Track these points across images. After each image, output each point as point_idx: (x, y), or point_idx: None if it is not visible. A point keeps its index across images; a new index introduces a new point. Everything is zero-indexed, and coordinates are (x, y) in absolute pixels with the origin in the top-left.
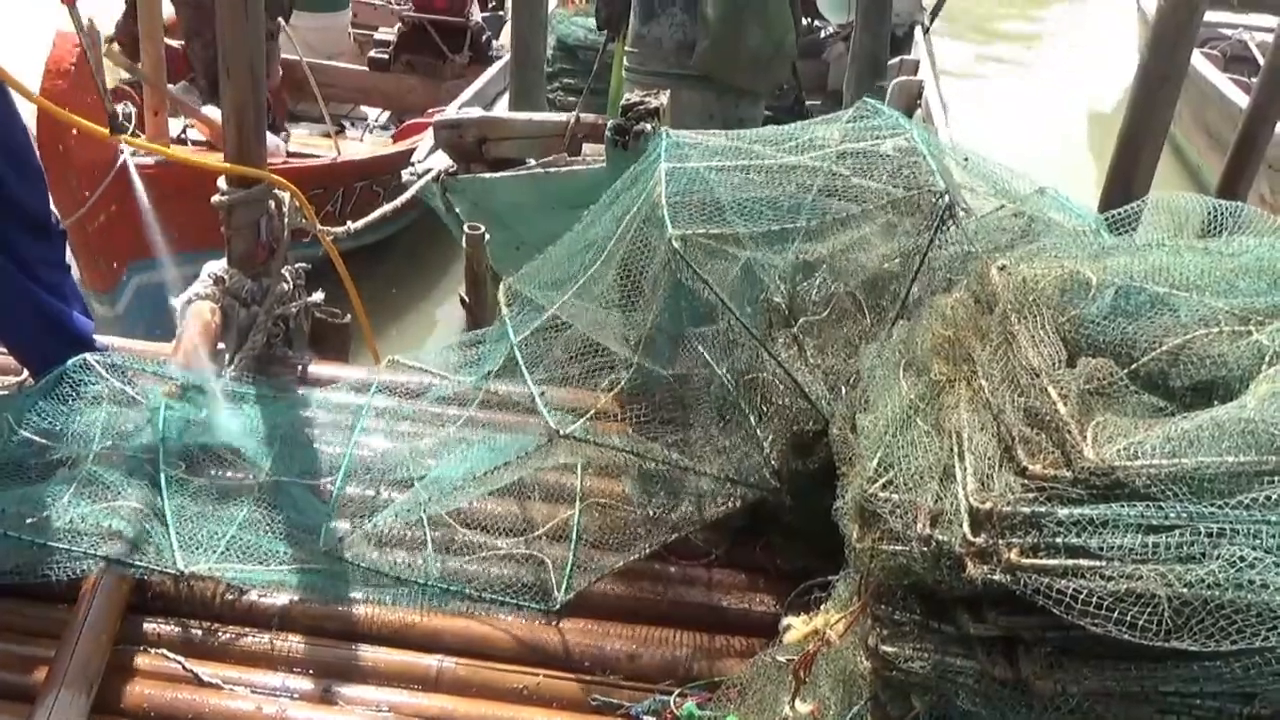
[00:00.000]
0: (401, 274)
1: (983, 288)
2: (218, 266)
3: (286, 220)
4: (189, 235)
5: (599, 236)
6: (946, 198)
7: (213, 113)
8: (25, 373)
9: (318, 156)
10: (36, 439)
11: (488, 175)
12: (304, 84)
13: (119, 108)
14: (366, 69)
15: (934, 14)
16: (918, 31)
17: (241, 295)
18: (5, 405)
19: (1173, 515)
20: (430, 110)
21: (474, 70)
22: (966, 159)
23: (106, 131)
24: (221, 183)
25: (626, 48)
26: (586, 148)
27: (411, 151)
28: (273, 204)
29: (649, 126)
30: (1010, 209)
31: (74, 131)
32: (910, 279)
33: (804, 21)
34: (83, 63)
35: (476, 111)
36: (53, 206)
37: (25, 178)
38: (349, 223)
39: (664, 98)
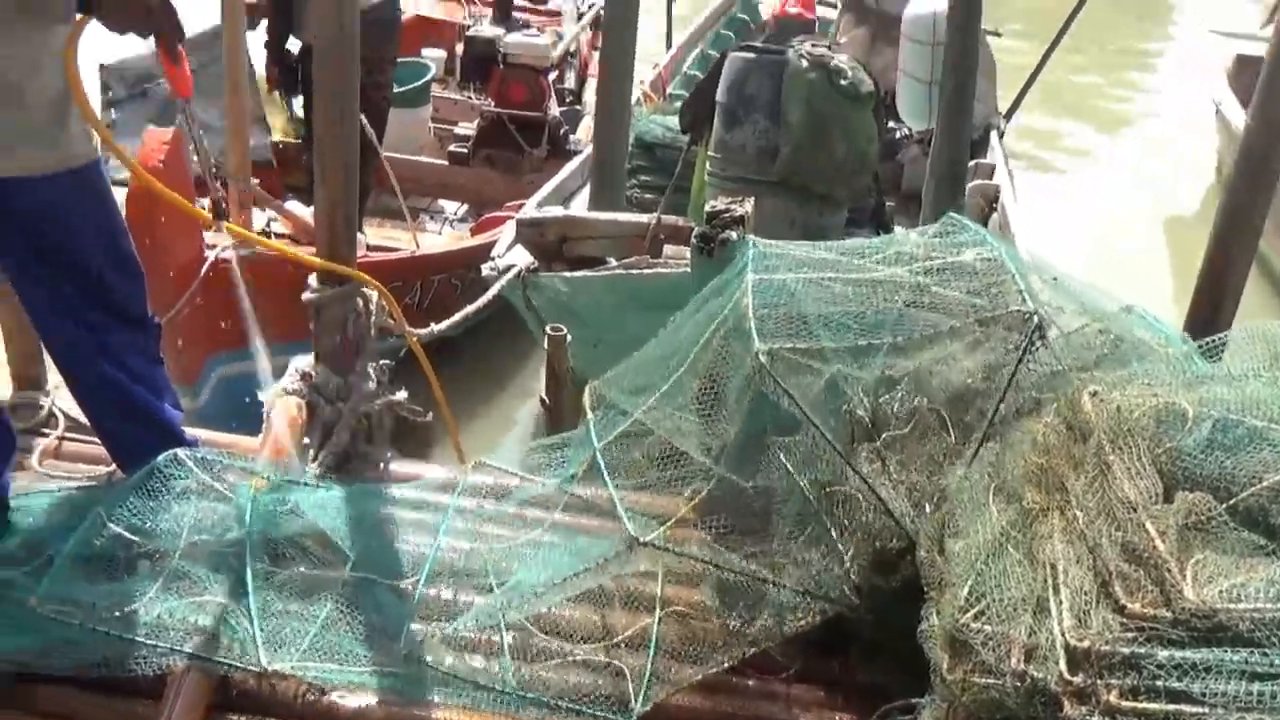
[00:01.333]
0: (477, 368)
1: (1075, 414)
2: (304, 363)
3: (373, 318)
4: (270, 327)
5: (683, 343)
6: (1036, 318)
7: (296, 208)
8: (114, 464)
9: (396, 249)
10: (125, 534)
11: (569, 274)
12: (383, 177)
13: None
14: (446, 163)
15: (1009, 115)
16: (993, 134)
17: (327, 392)
18: (96, 499)
19: (1279, 663)
20: (508, 204)
21: (551, 164)
22: (1055, 278)
23: (210, 217)
24: (312, 279)
25: (709, 152)
26: (667, 249)
27: (490, 245)
28: (360, 301)
29: (734, 235)
30: (1096, 326)
31: (161, 220)
32: (998, 399)
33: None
34: (172, 158)
35: (558, 210)
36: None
37: (124, 271)
38: (433, 324)
39: (749, 205)
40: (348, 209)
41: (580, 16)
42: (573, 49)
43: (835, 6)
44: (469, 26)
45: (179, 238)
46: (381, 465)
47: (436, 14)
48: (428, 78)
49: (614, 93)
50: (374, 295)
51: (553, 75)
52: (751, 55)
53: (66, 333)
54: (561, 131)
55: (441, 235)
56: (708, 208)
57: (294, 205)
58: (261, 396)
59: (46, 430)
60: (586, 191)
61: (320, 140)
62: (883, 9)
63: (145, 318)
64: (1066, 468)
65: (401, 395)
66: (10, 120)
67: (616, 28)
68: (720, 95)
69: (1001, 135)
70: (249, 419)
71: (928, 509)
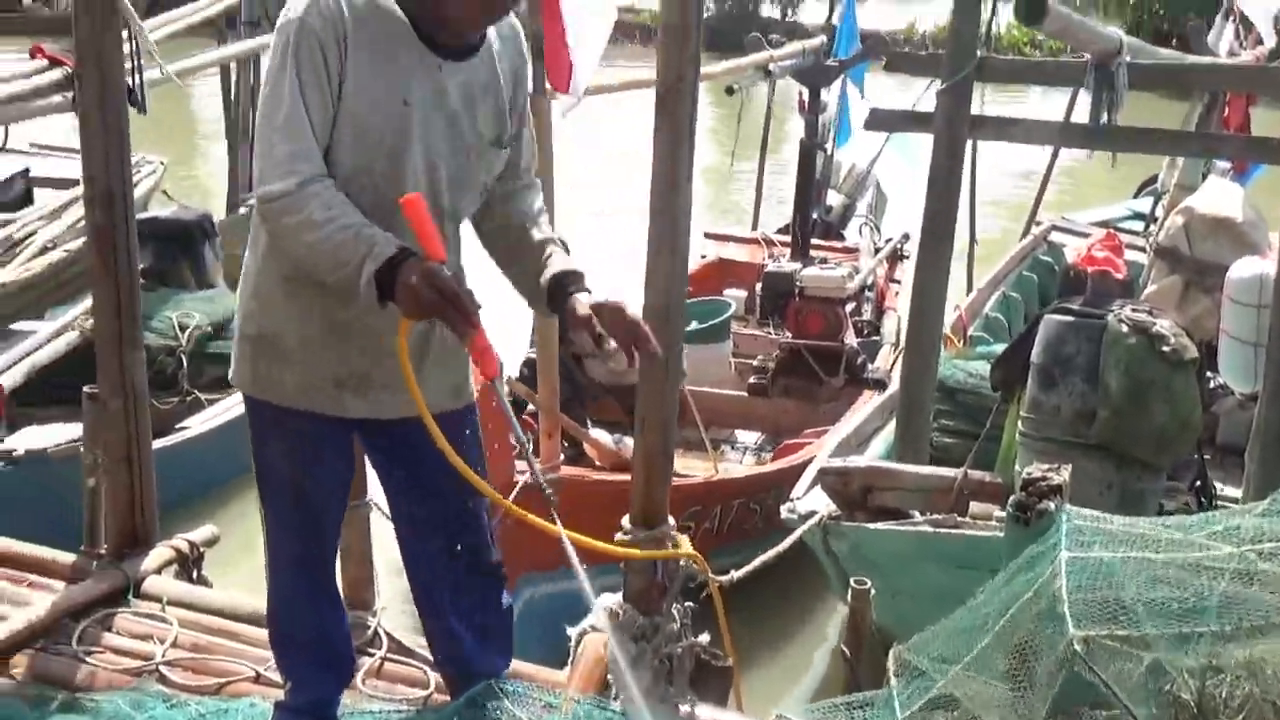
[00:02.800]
0: (767, 606)
1: None
2: (612, 601)
3: (682, 562)
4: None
5: (991, 617)
6: None
7: (601, 436)
8: (430, 686)
9: (694, 477)
10: None
11: (873, 526)
12: (685, 410)
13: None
14: (745, 394)
15: None
16: None
17: (634, 631)
18: None
19: None
20: (807, 430)
21: (848, 393)
22: None
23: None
24: (625, 521)
25: (1023, 412)
26: (974, 506)
27: (788, 471)
28: (670, 546)
29: (1051, 505)
30: None
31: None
32: None
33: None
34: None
35: (863, 460)
36: None
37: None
38: (732, 571)
39: (1066, 474)
40: (666, 462)
41: (877, 251)
42: (869, 282)
43: (1143, 250)
44: (767, 266)
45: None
46: (681, 708)
47: (738, 256)
48: (727, 315)
49: (923, 340)
50: (684, 540)
51: (850, 307)
52: (1070, 318)
53: (432, 570)
54: (859, 361)
55: (741, 464)
56: (1024, 474)
57: (598, 433)
58: (570, 631)
59: (371, 650)
60: (884, 433)
61: (643, 392)
62: (1199, 257)
63: (496, 566)
64: None
65: (704, 639)
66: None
67: (926, 270)
68: (1036, 356)
69: None
70: (550, 641)
71: None
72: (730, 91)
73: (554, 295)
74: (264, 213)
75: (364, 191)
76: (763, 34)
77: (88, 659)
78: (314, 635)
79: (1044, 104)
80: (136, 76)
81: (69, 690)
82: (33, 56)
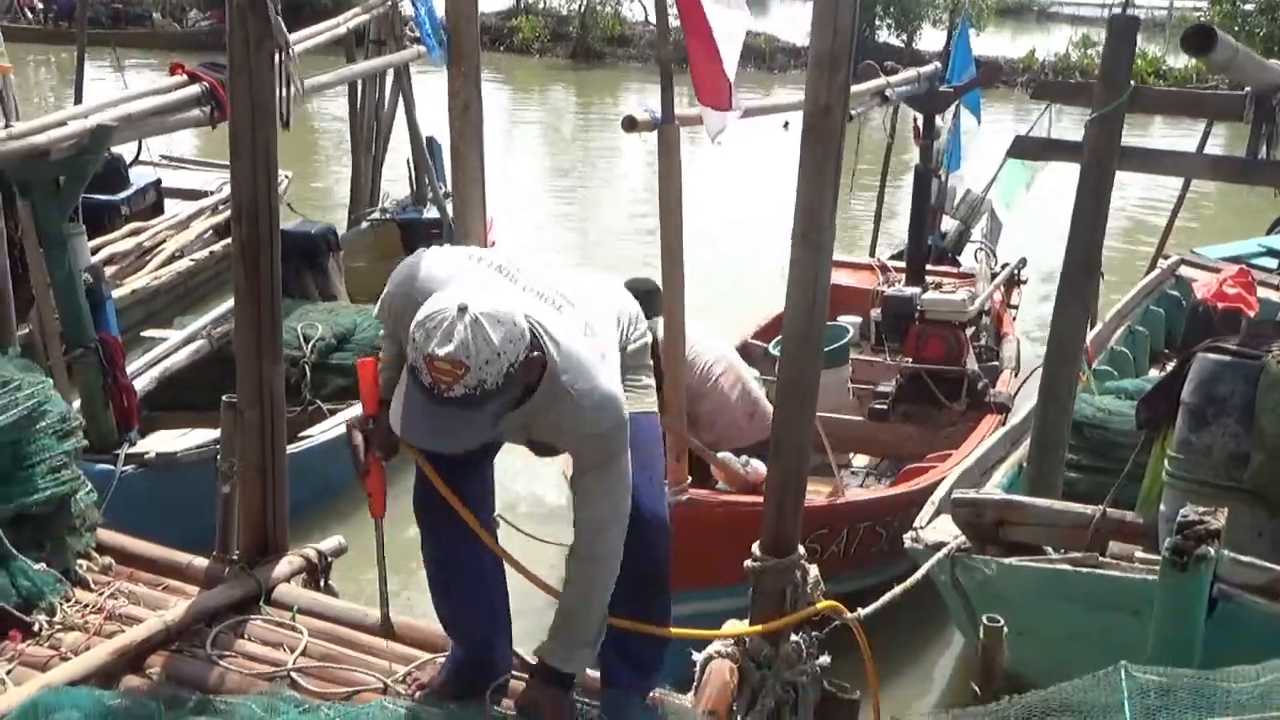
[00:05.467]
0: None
1: None
2: (740, 628)
3: (809, 589)
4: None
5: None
6: None
7: (728, 459)
8: None
9: (819, 500)
10: None
11: (1008, 561)
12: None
13: None
14: (864, 419)
15: None
16: None
17: (759, 658)
18: None
19: None
20: (930, 455)
21: (969, 417)
22: None
23: None
24: (755, 548)
25: (1170, 452)
26: (1113, 546)
27: (914, 494)
28: (798, 574)
29: (1211, 551)
30: None
31: None
32: None
33: None
34: None
35: (997, 494)
36: None
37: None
38: (860, 609)
39: (1222, 518)
40: (797, 492)
41: (993, 276)
42: (986, 307)
43: (1277, 289)
44: (881, 293)
45: None
46: None
47: (852, 282)
48: (847, 339)
49: (1059, 378)
50: (813, 569)
51: (969, 332)
52: (1225, 358)
53: None
54: (980, 385)
55: (861, 488)
56: (1180, 516)
57: (726, 456)
58: (695, 656)
59: None
60: (1008, 463)
61: (779, 423)
62: None
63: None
64: None
65: (825, 660)
66: None
67: (1067, 304)
68: (1187, 395)
69: None
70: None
71: None
72: (850, 118)
73: None
74: None
75: None
76: (880, 61)
77: (221, 662)
78: (472, 581)
79: (1163, 138)
80: (283, 91)
81: (203, 692)
82: (172, 73)
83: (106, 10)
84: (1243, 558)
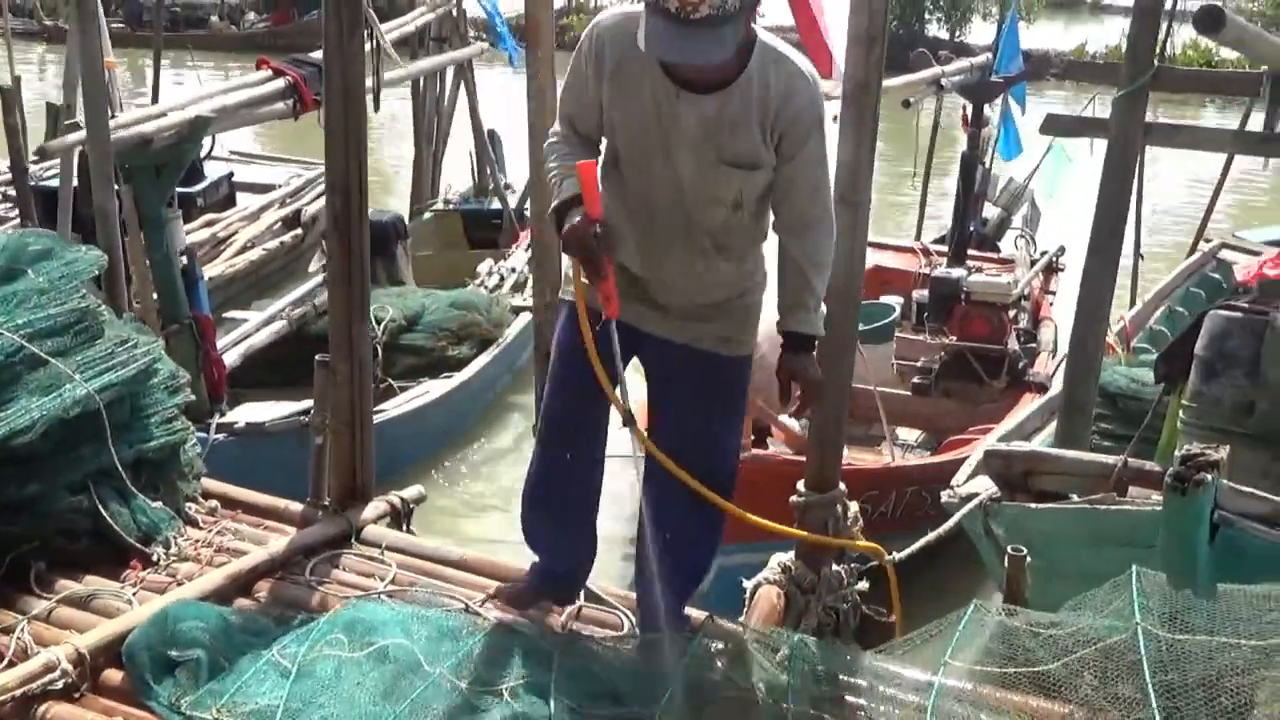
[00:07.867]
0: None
1: None
2: (785, 557)
3: (848, 524)
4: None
5: None
6: None
7: (788, 421)
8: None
9: (870, 463)
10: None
11: (1033, 505)
12: (862, 404)
13: None
14: (908, 393)
15: None
16: None
17: (804, 585)
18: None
19: None
20: (972, 428)
21: (1008, 395)
22: None
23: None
24: (800, 485)
25: (1184, 402)
26: (1133, 490)
27: (958, 462)
28: (839, 508)
29: (1209, 477)
30: None
31: None
32: None
33: None
34: None
35: (1026, 445)
36: None
37: None
38: (894, 553)
39: (1224, 452)
40: (837, 431)
41: (1033, 263)
42: (1025, 292)
43: None
44: (924, 275)
45: None
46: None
47: (895, 264)
48: (893, 317)
49: (1087, 341)
50: (853, 505)
51: (1009, 315)
52: (1235, 314)
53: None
54: (1020, 364)
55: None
56: (1181, 452)
57: (786, 419)
58: (745, 584)
59: None
60: (1044, 434)
61: (822, 365)
62: None
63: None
64: None
65: (863, 585)
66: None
67: (1094, 267)
68: (1200, 349)
69: None
70: (729, 602)
71: None
72: (906, 104)
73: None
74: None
75: (629, 181)
76: (931, 52)
77: (320, 587)
78: (561, 502)
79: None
80: (374, 78)
81: (306, 611)
82: (258, 68)
83: (166, 14)
84: (1242, 488)
